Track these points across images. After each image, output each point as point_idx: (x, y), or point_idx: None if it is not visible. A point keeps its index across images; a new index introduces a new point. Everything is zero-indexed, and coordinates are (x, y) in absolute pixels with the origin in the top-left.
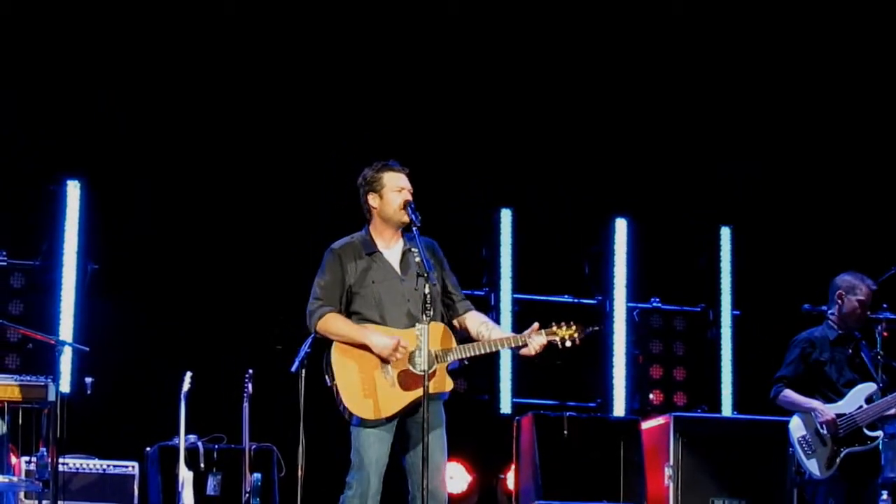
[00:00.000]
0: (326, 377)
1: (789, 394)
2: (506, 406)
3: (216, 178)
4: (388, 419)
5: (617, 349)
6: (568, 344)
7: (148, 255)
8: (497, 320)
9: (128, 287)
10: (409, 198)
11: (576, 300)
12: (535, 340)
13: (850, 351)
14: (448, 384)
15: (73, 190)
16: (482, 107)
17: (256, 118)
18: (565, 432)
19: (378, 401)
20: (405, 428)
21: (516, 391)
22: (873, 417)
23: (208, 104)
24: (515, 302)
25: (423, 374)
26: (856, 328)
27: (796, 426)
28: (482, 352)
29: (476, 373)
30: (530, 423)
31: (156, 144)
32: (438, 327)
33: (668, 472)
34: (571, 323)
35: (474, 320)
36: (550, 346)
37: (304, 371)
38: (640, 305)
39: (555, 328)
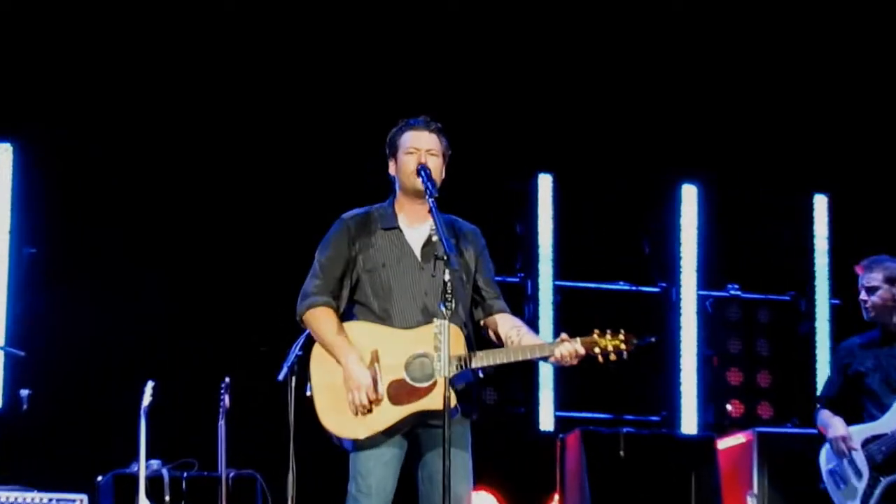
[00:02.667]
0: (308, 384)
1: (822, 414)
2: (547, 421)
3: (183, 141)
4: (371, 439)
5: (685, 349)
6: (612, 357)
7: (99, 236)
8: (535, 313)
9: (74, 275)
10: (423, 160)
11: (633, 288)
12: (564, 349)
13: None
14: (452, 399)
15: (4, 155)
16: (512, 51)
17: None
18: (621, 453)
19: (359, 417)
20: (419, 451)
21: (560, 403)
22: None
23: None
24: (557, 290)
25: (426, 385)
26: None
27: (826, 457)
28: (498, 361)
29: (510, 381)
30: (577, 441)
31: (110, 98)
32: (452, 330)
33: (750, 500)
34: (620, 331)
35: (505, 323)
36: (589, 358)
37: (293, 379)
38: (714, 294)
39: (596, 336)
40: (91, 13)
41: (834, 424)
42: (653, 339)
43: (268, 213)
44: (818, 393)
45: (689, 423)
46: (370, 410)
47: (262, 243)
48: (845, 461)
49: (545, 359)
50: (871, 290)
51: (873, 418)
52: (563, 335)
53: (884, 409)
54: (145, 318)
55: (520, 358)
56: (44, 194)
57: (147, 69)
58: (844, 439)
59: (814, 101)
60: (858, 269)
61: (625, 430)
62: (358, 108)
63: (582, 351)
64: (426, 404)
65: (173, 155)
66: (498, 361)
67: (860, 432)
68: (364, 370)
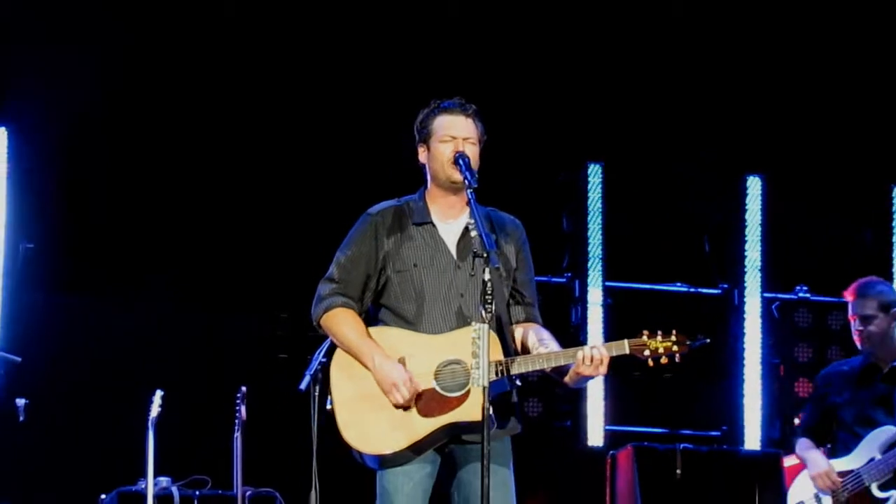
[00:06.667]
0: (328, 398)
1: (801, 443)
2: (596, 436)
3: (193, 122)
4: (398, 455)
5: (749, 357)
6: (663, 361)
7: (103, 230)
8: (583, 317)
9: (75, 273)
10: (462, 148)
11: (691, 289)
12: (588, 353)
13: (884, 387)
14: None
15: None
16: (557, 33)
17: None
18: (678, 471)
19: (384, 431)
20: (453, 470)
21: (610, 416)
22: (886, 472)
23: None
24: (608, 292)
25: (458, 395)
26: (887, 357)
27: (795, 490)
28: (537, 368)
29: (555, 392)
30: (630, 458)
31: (113, 74)
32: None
33: None
34: (672, 332)
35: (533, 335)
36: (637, 361)
37: (317, 389)
38: (781, 296)
39: (645, 338)
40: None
41: (813, 460)
42: (707, 341)
43: (282, 204)
44: (797, 420)
45: (753, 439)
46: (407, 408)
47: (278, 236)
48: (812, 496)
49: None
50: (867, 320)
51: (846, 451)
52: (595, 343)
53: (854, 444)
54: (153, 321)
55: (553, 363)
56: (43, 184)
57: (153, 54)
58: (828, 474)
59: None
60: (848, 296)
61: (682, 446)
62: (395, 93)
63: (606, 356)
64: (458, 416)
65: (184, 146)
66: (532, 368)
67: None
68: (396, 365)
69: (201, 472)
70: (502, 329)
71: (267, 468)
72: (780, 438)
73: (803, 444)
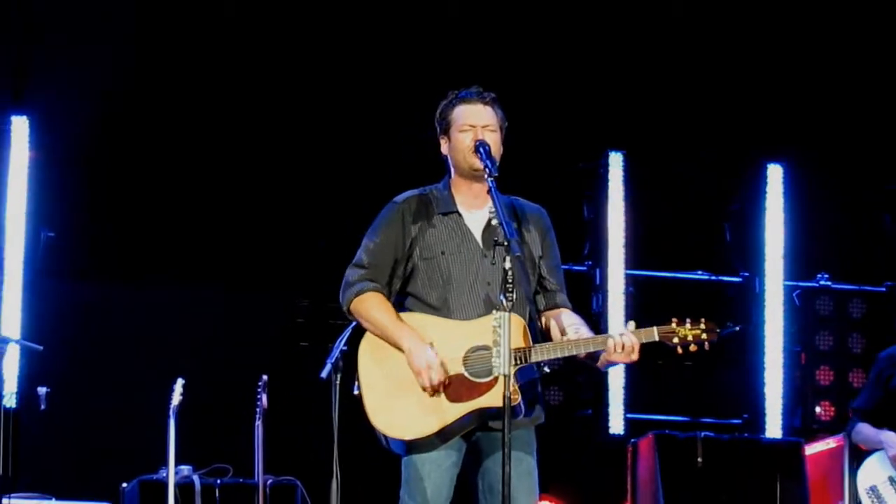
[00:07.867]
0: (355, 383)
1: (862, 428)
2: (617, 424)
3: (213, 110)
4: (426, 441)
5: (770, 345)
6: (693, 348)
7: (121, 217)
8: (603, 305)
9: (96, 262)
10: (481, 136)
11: (712, 277)
12: (619, 341)
13: None
14: (517, 395)
15: (21, 127)
16: (578, 21)
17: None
18: (699, 459)
19: (413, 415)
20: (478, 458)
21: (631, 404)
22: None
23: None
24: (629, 280)
25: (487, 380)
26: None
27: (866, 474)
28: (560, 354)
29: (577, 380)
30: (651, 447)
31: (133, 64)
32: (513, 320)
33: None
34: (701, 320)
35: (563, 320)
36: (667, 349)
37: (338, 377)
38: (801, 284)
39: (674, 325)
40: None
41: (890, 440)
42: (737, 328)
43: (302, 193)
44: (852, 403)
45: (774, 427)
46: (436, 391)
47: (298, 225)
48: (885, 480)
49: (596, 357)
50: None
51: None
52: (631, 323)
53: None
54: (174, 310)
55: (582, 350)
56: (63, 172)
57: (173, 43)
58: None
59: None
60: None
61: (703, 434)
62: (416, 83)
63: (637, 343)
64: (487, 401)
65: (204, 135)
66: (560, 354)
67: None
68: (428, 349)
69: (222, 461)
70: (531, 316)
71: (288, 457)
72: (801, 426)
73: (867, 429)
